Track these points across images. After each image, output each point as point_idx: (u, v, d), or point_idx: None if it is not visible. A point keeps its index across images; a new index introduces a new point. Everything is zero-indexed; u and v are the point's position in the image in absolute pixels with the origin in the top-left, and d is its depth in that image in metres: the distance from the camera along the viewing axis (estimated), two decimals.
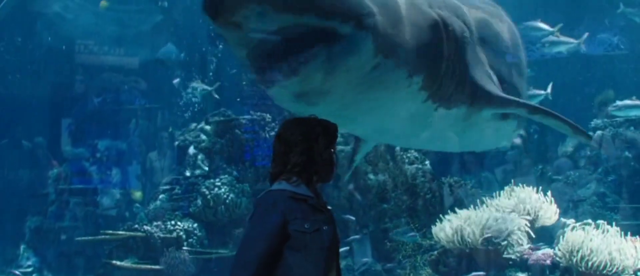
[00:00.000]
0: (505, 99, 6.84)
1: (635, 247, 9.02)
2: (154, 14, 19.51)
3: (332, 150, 3.91)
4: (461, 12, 6.81)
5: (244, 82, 13.85)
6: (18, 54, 19.12)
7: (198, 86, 15.08)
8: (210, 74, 17.53)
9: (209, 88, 14.71)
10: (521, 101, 6.98)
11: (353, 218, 11.38)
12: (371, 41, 5.39)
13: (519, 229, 9.64)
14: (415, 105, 6.35)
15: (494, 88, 6.79)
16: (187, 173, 13.29)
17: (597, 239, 9.06)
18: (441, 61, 6.22)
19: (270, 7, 4.87)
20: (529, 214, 10.05)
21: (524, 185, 10.96)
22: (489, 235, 9.39)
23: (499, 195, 10.80)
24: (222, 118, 13.56)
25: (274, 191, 3.77)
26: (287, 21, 5.00)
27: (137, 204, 13.80)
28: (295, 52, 5.07)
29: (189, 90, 15.59)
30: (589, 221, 9.91)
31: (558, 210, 10.40)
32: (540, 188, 11.04)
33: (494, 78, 6.96)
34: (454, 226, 9.79)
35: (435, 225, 10.32)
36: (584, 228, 9.55)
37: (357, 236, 11.37)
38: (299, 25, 5.06)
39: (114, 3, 18.87)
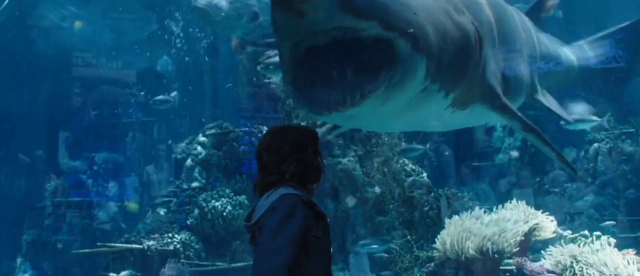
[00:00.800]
0: (507, 108, 7.06)
1: (628, 260, 9.02)
2: (150, 23, 19.56)
3: (320, 157, 3.96)
4: (488, 17, 7.13)
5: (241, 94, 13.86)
6: (14, 64, 19.08)
7: (158, 98, 15.13)
8: (207, 86, 17.62)
9: (170, 99, 14.77)
10: (517, 113, 7.16)
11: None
12: (424, 66, 5.64)
13: (516, 240, 9.64)
14: (439, 112, 6.70)
15: (500, 96, 7.01)
16: (184, 186, 13.29)
17: (592, 252, 9.07)
18: (473, 75, 6.55)
19: (338, 4, 5.04)
20: (527, 225, 10.05)
21: (522, 197, 10.98)
22: (488, 245, 9.40)
23: (496, 208, 10.80)
24: (219, 131, 13.56)
25: (289, 195, 3.71)
26: (350, 23, 5.19)
27: (147, 221, 13.78)
28: (358, 83, 5.27)
29: (151, 102, 15.60)
30: (586, 232, 9.92)
31: (556, 223, 10.40)
32: (538, 200, 11.05)
33: (499, 79, 7.16)
34: (452, 234, 9.80)
35: (437, 238, 10.30)
36: (577, 240, 9.58)
37: (375, 246, 11.33)
38: (358, 31, 5.25)
39: (109, 11, 18.93)
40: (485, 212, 10.57)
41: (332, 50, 5.31)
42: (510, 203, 10.75)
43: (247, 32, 12.72)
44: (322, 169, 3.95)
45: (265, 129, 13.26)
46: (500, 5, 7.79)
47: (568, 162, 8.17)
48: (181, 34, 17.94)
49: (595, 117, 12.07)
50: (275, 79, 12.54)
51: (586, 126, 12.44)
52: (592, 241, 9.45)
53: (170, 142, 16.53)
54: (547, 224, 10.20)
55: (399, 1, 5.58)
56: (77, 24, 18.03)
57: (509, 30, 7.81)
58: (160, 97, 15.00)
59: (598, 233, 9.82)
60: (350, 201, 11.64)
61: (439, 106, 6.38)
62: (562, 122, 12.45)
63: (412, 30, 5.48)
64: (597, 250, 9.17)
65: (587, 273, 8.85)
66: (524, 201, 10.78)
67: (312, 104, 5.42)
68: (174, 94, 17.34)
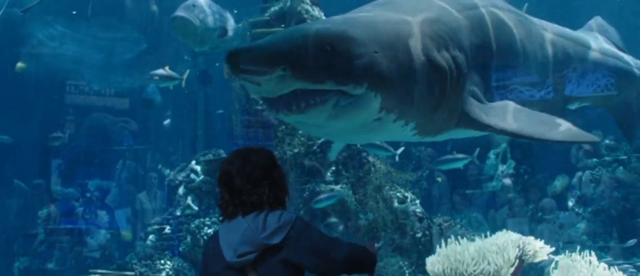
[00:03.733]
0: (484, 125, 6.83)
1: None
2: (140, 43, 19.62)
3: (284, 178, 4.10)
4: (471, 36, 7.05)
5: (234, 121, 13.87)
6: (4, 87, 19.01)
7: (53, 135, 15.71)
8: (199, 112, 17.67)
9: (62, 135, 15.28)
10: (498, 127, 6.81)
11: None
12: (379, 101, 5.80)
13: (508, 263, 9.60)
14: (405, 137, 6.87)
15: (480, 115, 6.82)
16: (177, 213, 13.27)
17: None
18: (441, 107, 6.51)
19: (291, 74, 5.30)
20: (518, 250, 10.01)
21: (516, 225, 10.97)
22: (478, 269, 9.35)
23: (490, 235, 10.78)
24: (212, 157, 13.57)
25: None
26: (304, 86, 5.42)
27: (139, 248, 13.77)
28: (306, 95, 5.48)
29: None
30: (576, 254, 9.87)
31: (548, 248, 10.37)
32: (532, 228, 11.05)
33: (480, 96, 7.03)
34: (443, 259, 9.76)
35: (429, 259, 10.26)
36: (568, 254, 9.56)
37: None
38: (315, 87, 5.48)
39: (99, 31, 19.00)
40: (475, 239, 10.56)
41: None
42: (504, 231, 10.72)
43: (214, 47, 13.09)
44: (287, 190, 4.09)
45: None
46: (496, 24, 7.52)
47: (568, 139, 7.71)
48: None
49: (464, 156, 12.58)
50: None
51: (457, 165, 12.90)
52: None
53: (160, 166, 16.55)
54: (540, 249, 10.16)
55: (357, 49, 5.69)
56: (19, 65, 18.04)
57: (502, 53, 7.52)
58: (55, 134, 15.55)
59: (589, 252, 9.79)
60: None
61: (400, 133, 6.54)
62: (433, 163, 13.01)
63: (366, 79, 5.65)
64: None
65: None
66: (517, 230, 10.74)
67: (267, 103, 5.78)
68: (167, 122, 17.47)
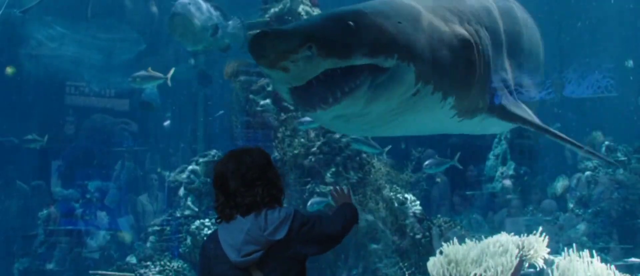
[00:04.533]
0: (517, 116, 7.04)
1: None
2: (139, 43, 19.62)
3: (280, 178, 4.13)
4: (490, 20, 7.06)
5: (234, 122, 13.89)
6: (4, 89, 19.01)
7: (27, 137, 16.25)
8: (199, 113, 17.68)
9: (39, 139, 15.47)
10: (528, 119, 7.13)
11: None
12: (413, 71, 5.67)
13: (509, 263, 9.58)
14: (444, 119, 6.69)
15: (510, 102, 7.01)
16: (177, 214, 13.27)
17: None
18: (472, 78, 6.50)
19: (317, 52, 5.14)
20: (518, 249, 10.00)
21: (515, 227, 10.94)
22: (479, 270, 9.34)
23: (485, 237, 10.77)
24: (212, 159, 13.58)
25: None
26: (333, 64, 5.27)
27: (139, 242, 13.79)
28: (339, 81, 5.35)
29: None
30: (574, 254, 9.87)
31: (548, 249, 10.36)
32: (531, 229, 11.02)
33: (511, 85, 7.17)
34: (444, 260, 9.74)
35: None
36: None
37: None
38: (345, 64, 5.34)
39: (98, 32, 19.01)
40: (475, 241, 10.55)
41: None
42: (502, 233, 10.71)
43: (207, 45, 13.12)
44: (283, 189, 4.12)
45: None
46: (509, 13, 7.70)
47: (595, 152, 8.12)
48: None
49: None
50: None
51: (441, 169, 13.31)
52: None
53: (159, 170, 16.56)
54: (539, 250, 10.15)
55: (381, 21, 5.63)
56: (9, 70, 18.03)
57: (516, 38, 7.68)
58: (29, 136, 15.75)
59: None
60: None
61: (439, 111, 6.39)
62: (424, 166, 13.10)
63: (395, 48, 5.56)
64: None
65: None
66: (516, 231, 10.74)
67: (301, 104, 5.57)
68: (167, 123, 17.46)
